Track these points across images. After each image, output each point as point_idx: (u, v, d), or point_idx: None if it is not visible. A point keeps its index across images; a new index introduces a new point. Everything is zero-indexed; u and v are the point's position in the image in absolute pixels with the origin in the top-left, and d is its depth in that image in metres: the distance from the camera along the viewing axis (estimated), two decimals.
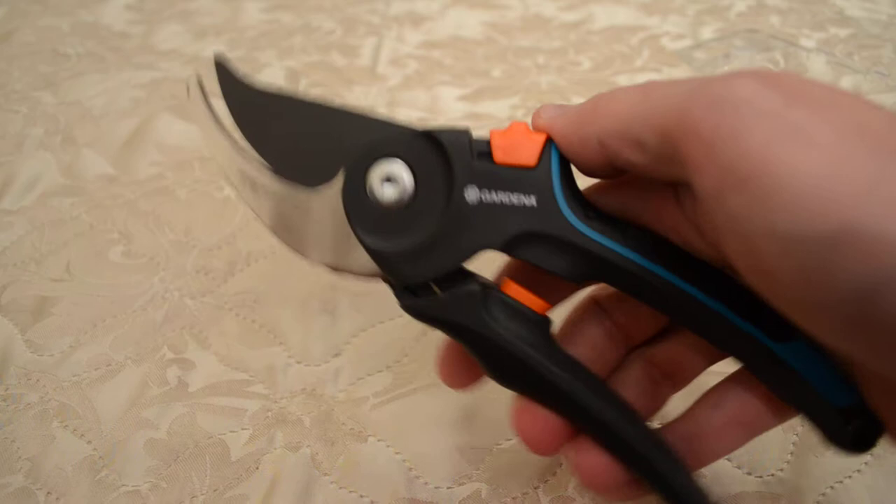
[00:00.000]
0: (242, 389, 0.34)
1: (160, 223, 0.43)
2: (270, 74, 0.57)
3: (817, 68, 0.55)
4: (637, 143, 0.21)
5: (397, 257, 0.25)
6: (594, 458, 0.24)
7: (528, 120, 0.25)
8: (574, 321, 0.27)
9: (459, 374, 0.26)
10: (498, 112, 0.52)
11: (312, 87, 0.56)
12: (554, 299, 0.27)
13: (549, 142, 0.24)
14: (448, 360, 0.26)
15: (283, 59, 0.60)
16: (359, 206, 0.25)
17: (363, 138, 0.25)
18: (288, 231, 0.27)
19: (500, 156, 0.24)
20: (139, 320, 0.37)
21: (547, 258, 0.24)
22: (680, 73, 0.56)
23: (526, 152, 0.24)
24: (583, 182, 0.25)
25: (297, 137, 0.27)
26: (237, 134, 0.27)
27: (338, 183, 0.25)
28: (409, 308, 0.25)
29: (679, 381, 0.27)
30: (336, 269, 0.27)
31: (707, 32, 0.61)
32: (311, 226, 0.26)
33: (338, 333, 0.36)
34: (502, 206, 0.24)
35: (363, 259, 0.25)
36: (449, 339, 0.26)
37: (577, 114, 0.23)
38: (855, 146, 0.17)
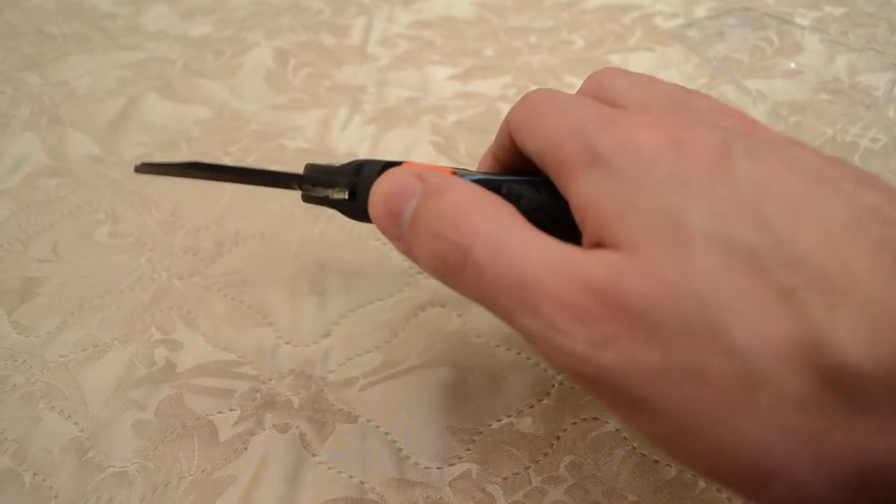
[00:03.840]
0: (231, 370, 0.34)
1: (146, 203, 0.42)
2: (258, 55, 0.56)
3: (812, 47, 0.54)
4: None
5: None
6: None
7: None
8: None
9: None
10: (489, 91, 0.51)
11: (301, 68, 0.55)
12: None
13: None
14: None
15: (272, 39, 0.59)
16: None
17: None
18: None
19: None
20: (126, 301, 0.37)
21: None
22: (674, 52, 0.55)
23: None
24: None
25: None
26: None
27: None
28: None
29: None
30: None
31: (700, 11, 0.61)
32: None
33: (327, 314, 0.36)
34: None
35: None
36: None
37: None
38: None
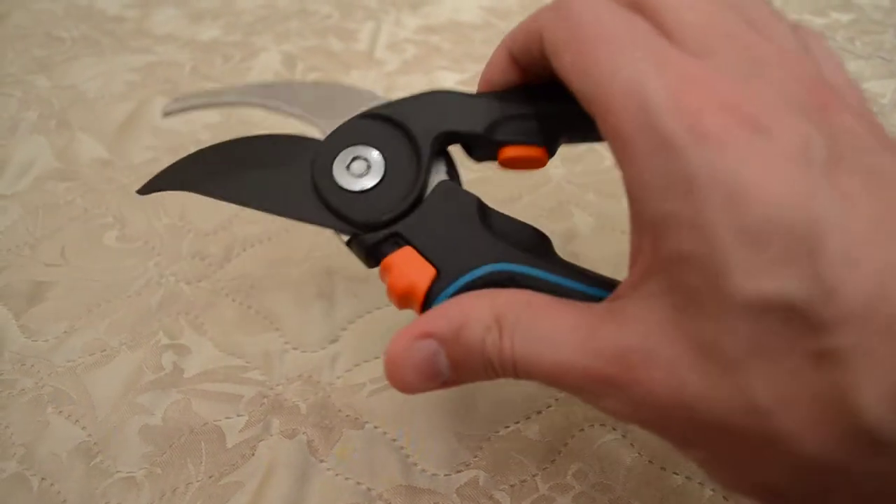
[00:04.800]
0: (238, 375, 0.34)
1: (155, 207, 0.43)
2: (267, 59, 0.57)
3: None
4: None
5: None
6: None
7: None
8: None
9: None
10: None
11: (309, 72, 0.55)
12: None
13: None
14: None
15: (280, 43, 0.59)
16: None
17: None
18: None
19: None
20: (134, 305, 0.37)
21: None
22: None
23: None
24: None
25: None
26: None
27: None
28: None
29: None
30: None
31: None
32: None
33: (335, 319, 0.36)
34: None
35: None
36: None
37: None
38: None
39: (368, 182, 0.26)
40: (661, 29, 0.20)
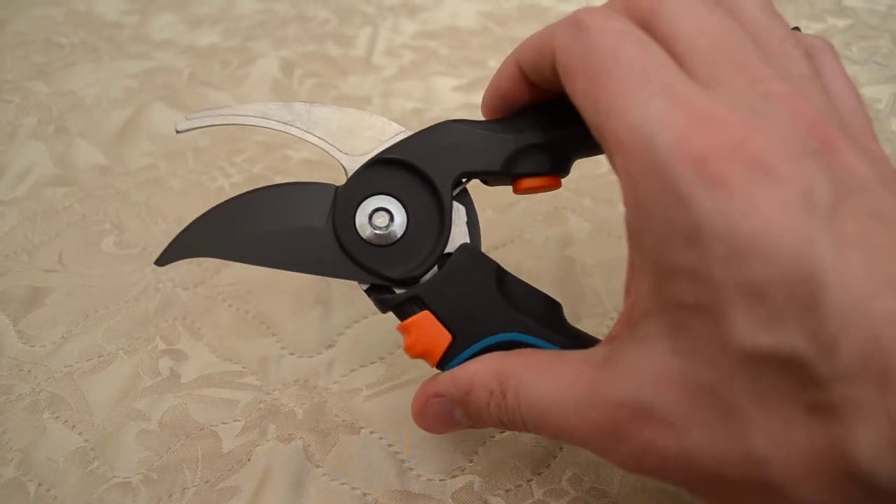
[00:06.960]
0: (235, 381, 0.34)
1: (152, 213, 0.43)
2: (265, 65, 0.57)
3: None
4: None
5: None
6: None
7: None
8: None
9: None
10: None
11: (307, 78, 0.55)
12: None
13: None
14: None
15: (278, 49, 0.59)
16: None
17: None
18: None
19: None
20: (131, 311, 0.37)
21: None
22: None
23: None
24: None
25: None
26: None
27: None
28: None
29: None
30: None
31: None
32: None
33: (331, 324, 0.36)
34: None
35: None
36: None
37: None
38: None
39: (393, 236, 0.26)
40: (672, 53, 0.20)
